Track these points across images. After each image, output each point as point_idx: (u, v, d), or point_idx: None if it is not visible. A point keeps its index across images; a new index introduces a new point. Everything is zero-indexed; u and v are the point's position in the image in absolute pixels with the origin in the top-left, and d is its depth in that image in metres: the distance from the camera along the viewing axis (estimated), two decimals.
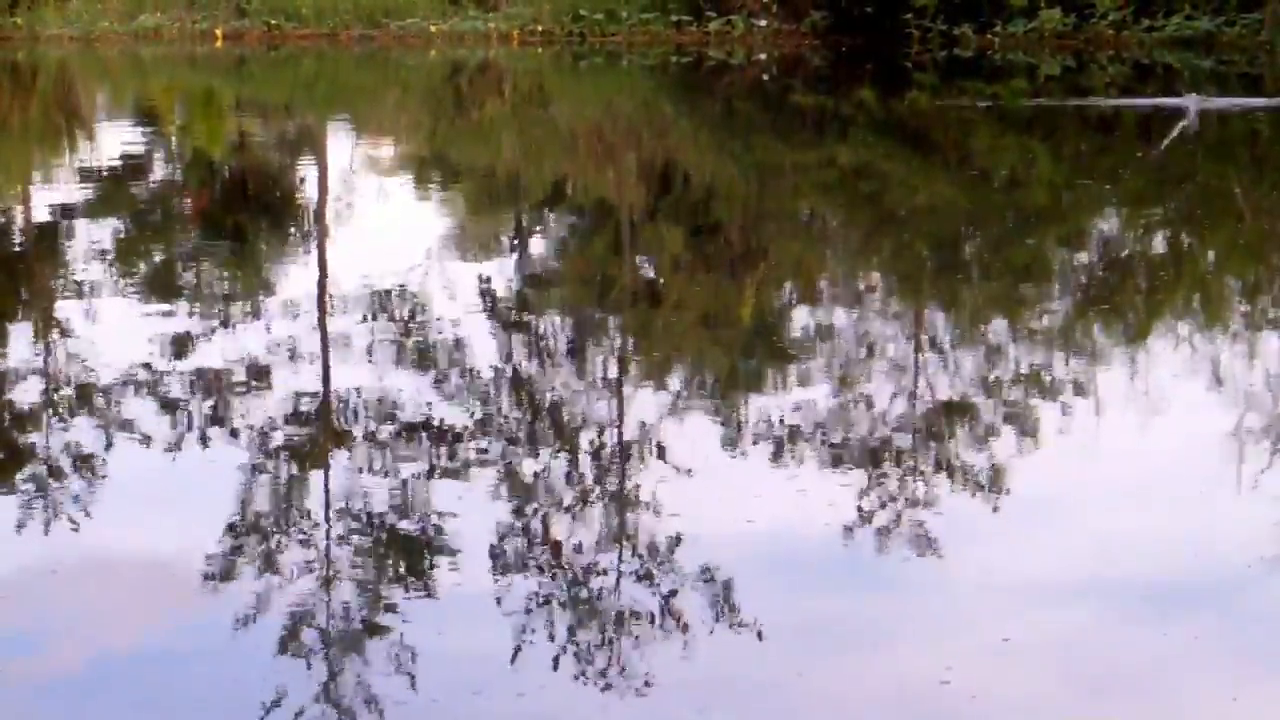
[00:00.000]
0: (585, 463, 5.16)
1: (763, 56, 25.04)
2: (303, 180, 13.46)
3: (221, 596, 4.07)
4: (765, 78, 22.84)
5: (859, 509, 4.69)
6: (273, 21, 28.85)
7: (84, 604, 4.06)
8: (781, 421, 5.54)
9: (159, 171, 13.91)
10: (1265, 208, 10.68)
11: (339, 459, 5.25)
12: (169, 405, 5.90)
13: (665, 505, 4.68)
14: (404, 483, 4.96)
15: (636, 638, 3.77)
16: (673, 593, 4.03)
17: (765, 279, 8.56)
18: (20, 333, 7.44)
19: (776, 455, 5.22)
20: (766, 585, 4.09)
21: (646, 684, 3.54)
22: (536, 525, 4.56)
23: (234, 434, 5.54)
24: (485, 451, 5.29)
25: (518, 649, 3.69)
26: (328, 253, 9.70)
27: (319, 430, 5.65)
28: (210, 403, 5.95)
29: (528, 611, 3.90)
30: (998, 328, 7.21)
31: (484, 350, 6.72)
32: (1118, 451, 5.31)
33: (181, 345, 6.84)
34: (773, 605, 3.94)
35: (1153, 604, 4.01)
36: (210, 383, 6.20)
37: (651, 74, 23.49)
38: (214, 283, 8.58)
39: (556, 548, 4.34)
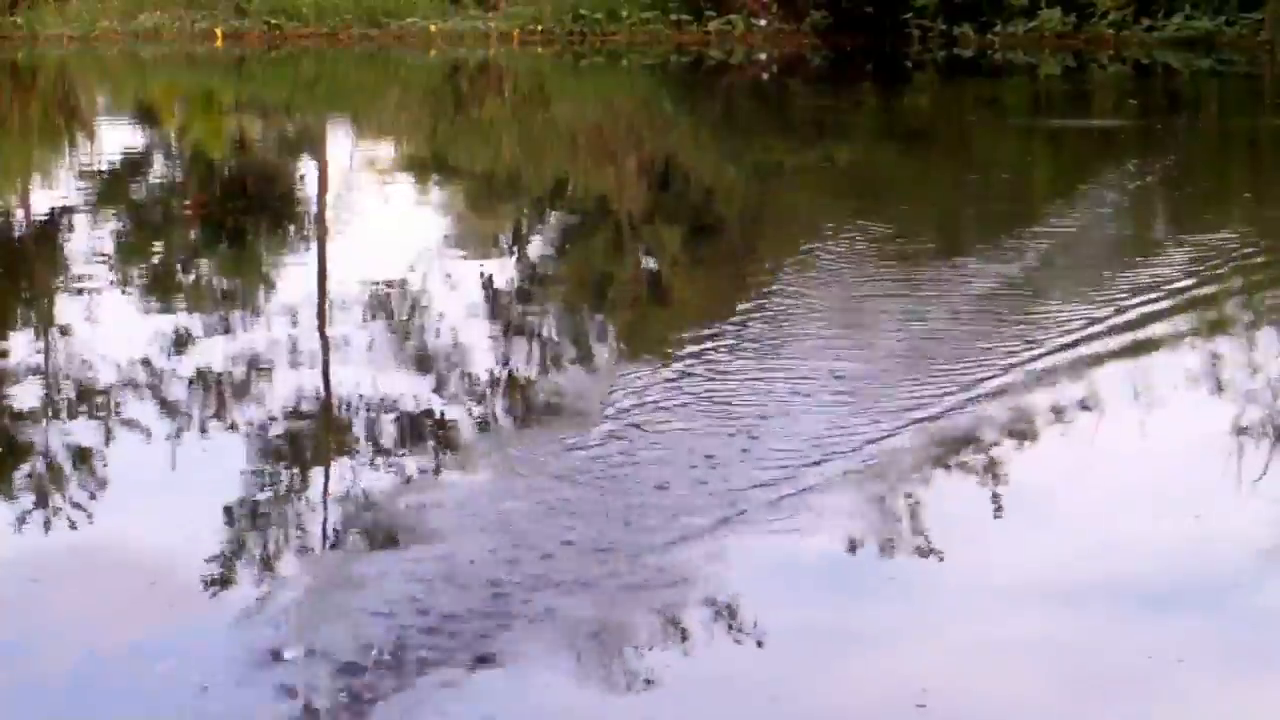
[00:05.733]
0: (576, 462, 5.14)
1: (763, 56, 25.04)
2: (302, 179, 13.45)
3: (198, 605, 4.05)
4: (765, 77, 22.84)
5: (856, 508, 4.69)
6: (273, 21, 28.82)
7: (72, 606, 4.05)
8: (777, 421, 5.52)
9: (158, 171, 13.89)
10: None
11: (331, 459, 5.24)
12: (161, 403, 5.89)
13: (657, 506, 4.67)
14: (394, 482, 4.95)
15: (614, 657, 3.73)
16: (663, 600, 4.00)
17: (764, 276, 8.54)
18: (15, 331, 7.42)
19: (771, 455, 5.20)
20: (763, 588, 4.07)
21: (624, 693, 3.51)
22: (526, 530, 4.54)
23: (228, 431, 5.53)
24: (478, 450, 5.27)
25: (496, 666, 3.63)
26: (327, 251, 9.68)
27: (311, 430, 5.63)
28: (204, 400, 5.93)
29: (506, 626, 3.81)
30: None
31: (477, 347, 6.71)
32: (1113, 452, 5.31)
33: (176, 343, 6.82)
34: (770, 608, 3.93)
35: (1150, 606, 4.01)
36: (205, 380, 6.19)
37: (652, 73, 23.46)
38: (211, 281, 8.57)
39: None
